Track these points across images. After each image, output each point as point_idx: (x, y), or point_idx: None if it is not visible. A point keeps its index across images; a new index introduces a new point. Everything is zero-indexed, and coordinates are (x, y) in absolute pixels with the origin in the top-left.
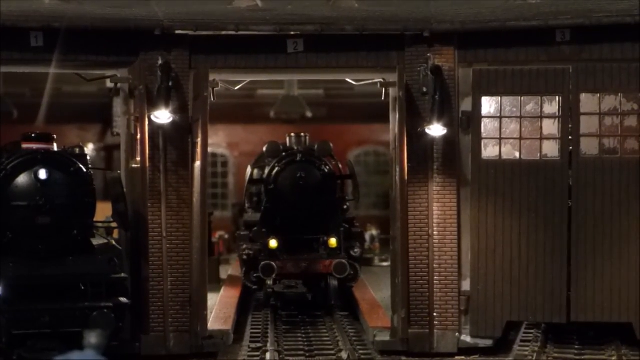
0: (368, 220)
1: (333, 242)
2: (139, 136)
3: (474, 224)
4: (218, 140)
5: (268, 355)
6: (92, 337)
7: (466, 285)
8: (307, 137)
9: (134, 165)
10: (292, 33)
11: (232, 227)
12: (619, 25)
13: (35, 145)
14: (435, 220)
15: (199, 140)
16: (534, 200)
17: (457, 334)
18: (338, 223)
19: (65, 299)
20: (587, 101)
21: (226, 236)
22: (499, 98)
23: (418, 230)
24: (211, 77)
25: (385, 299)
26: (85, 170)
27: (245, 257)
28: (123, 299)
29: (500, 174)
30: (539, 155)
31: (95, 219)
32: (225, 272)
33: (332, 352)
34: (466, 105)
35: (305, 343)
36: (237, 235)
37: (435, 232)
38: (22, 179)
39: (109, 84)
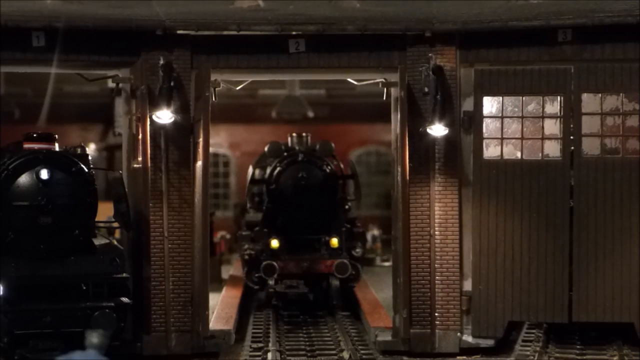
0: (370, 220)
1: (334, 242)
2: (140, 136)
3: (475, 223)
4: (220, 140)
5: (269, 355)
6: (94, 337)
7: (468, 285)
8: (309, 137)
9: (135, 165)
10: (294, 33)
11: (233, 227)
12: (620, 25)
13: (37, 145)
14: (436, 220)
15: (201, 140)
16: (536, 200)
17: (458, 333)
18: (339, 223)
19: (67, 299)
20: (589, 101)
21: (228, 236)
22: (501, 98)
23: (419, 230)
24: (213, 77)
25: (387, 298)
26: (87, 170)
27: (246, 257)
28: (125, 299)
29: (501, 174)
30: (540, 155)
31: (97, 219)
32: (226, 272)
33: (334, 352)
34: (468, 105)
35: (307, 343)
36: (239, 235)
37: (436, 232)
38: (24, 179)
39: (111, 84)
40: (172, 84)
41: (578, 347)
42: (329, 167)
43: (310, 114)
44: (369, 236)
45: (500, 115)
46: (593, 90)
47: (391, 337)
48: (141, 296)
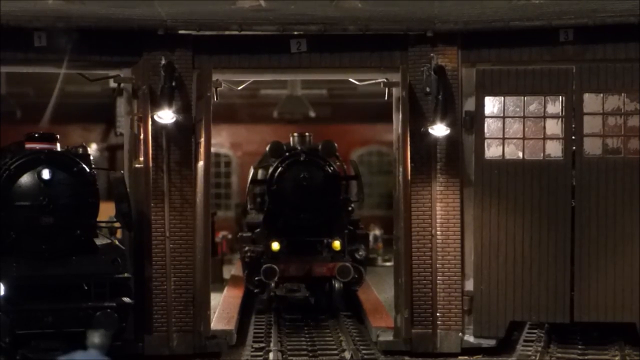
0: (371, 220)
1: (337, 244)
2: (142, 136)
3: (477, 223)
4: (221, 140)
5: (271, 355)
6: (96, 337)
7: (469, 285)
8: (311, 137)
9: (137, 165)
10: (295, 33)
11: (235, 227)
12: (622, 25)
13: (39, 145)
14: (438, 220)
15: (202, 140)
16: (537, 200)
17: (460, 334)
18: (342, 225)
19: (68, 299)
20: (590, 101)
21: (229, 236)
22: (502, 98)
23: (421, 230)
24: (214, 77)
25: (389, 298)
26: (88, 170)
27: (247, 259)
28: (126, 299)
29: (503, 174)
30: (542, 155)
31: (98, 219)
32: (228, 272)
33: (335, 352)
34: (469, 105)
35: (309, 343)
36: (239, 237)
37: (438, 232)
38: (26, 179)
39: (112, 84)
40: (173, 84)
41: (580, 347)
42: (332, 168)
43: (312, 114)
44: (370, 236)
45: (501, 115)
46: (595, 90)
47: (393, 337)
48: (143, 296)
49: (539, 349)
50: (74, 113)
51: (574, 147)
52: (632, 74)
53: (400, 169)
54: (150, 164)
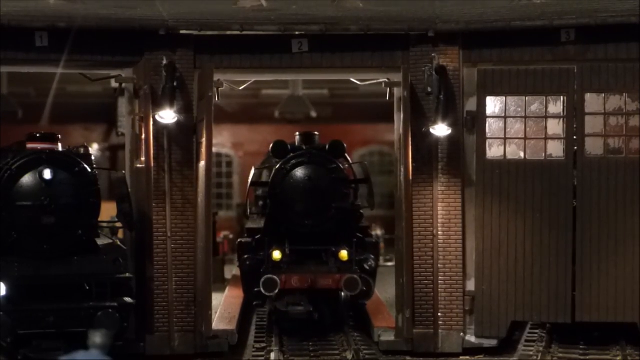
0: (373, 220)
1: (344, 254)
2: (143, 136)
3: (478, 224)
4: (222, 140)
5: (272, 355)
6: (97, 337)
7: (471, 285)
8: (318, 136)
9: (138, 165)
10: (297, 33)
11: (236, 227)
12: (624, 25)
13: (40, 145)
14: (439, 220)
15: (204, 140)
16: (539, 201)
17: (461, 334)
18: (350, 233)
19: (70, 299)
20: (592, 101)
21: (231, 236)
22: (504, 98)
23: (423, 230)
24: (216, 77)
25: (390, 298)
26: (90, 170)
27: (246, 269)
28: (128, 299)
29: (504, 174)
30: (543, 155)
31: (100, 219)
32: (229, 272)
33: (337, 351)
34: (471, 105)
35: (310, 342)
36: (238, 244)
37: (439, 232)
38: (27, 179)
39: (114, 84)
40: (175, 84)
41: (581, 347)
42: (340, 170)
43: (313, 114)
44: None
45: (503, 115)
46: (596, 90)
47: (394, 337)
48: (144, 296)
49: (541, 349)
50: (75, 113)
51: (575, 147)
52: (633, 74)
53: (402, 169)
54: (152, 164)
